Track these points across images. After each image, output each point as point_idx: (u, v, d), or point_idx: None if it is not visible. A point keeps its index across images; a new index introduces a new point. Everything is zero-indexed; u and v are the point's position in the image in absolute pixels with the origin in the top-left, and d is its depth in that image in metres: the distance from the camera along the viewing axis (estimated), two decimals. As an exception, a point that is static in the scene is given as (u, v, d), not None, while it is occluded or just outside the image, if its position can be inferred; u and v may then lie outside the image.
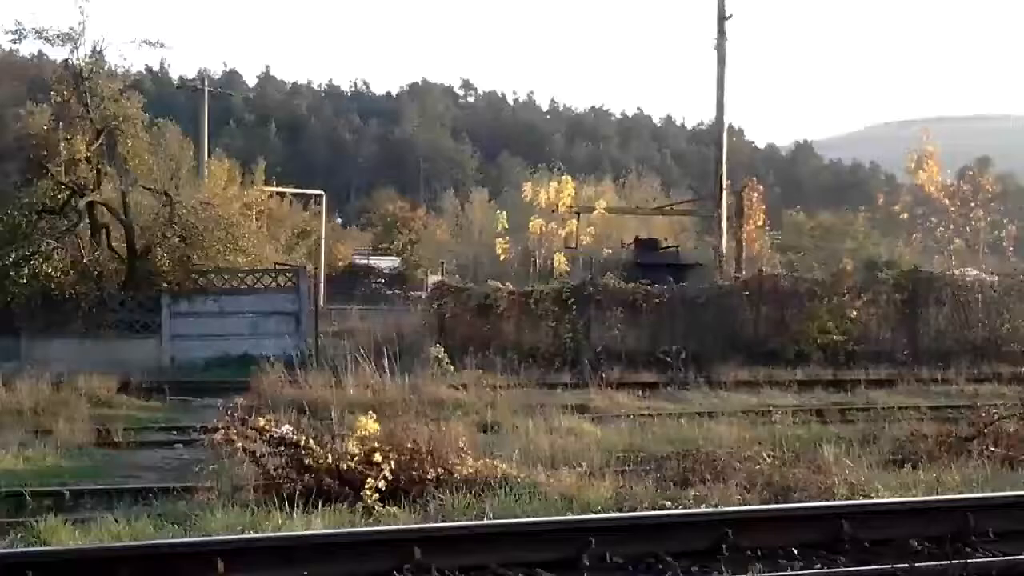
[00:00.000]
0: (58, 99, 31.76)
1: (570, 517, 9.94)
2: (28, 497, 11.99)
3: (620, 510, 10.58)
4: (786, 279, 30.91)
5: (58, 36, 31.17)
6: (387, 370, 20.14)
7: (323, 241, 64.26)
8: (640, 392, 23.30)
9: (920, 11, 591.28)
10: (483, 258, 58.87)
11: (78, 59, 31.30)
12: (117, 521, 9.79)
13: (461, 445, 11.94)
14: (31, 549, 8.90)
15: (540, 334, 28.88)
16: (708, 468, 12.27)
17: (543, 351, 27.99)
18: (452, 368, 21.95)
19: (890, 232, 66.29)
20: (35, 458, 14.57)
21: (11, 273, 28.16)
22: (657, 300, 29.09)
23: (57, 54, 39.20)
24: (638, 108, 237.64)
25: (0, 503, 11.87)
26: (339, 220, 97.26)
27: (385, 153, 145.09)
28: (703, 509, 10.25)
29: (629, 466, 13.14)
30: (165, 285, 30.51)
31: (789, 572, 8.64)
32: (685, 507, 10.54)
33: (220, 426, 11.74)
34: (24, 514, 11.39)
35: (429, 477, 11.11)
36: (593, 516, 9.95)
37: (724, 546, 8.89)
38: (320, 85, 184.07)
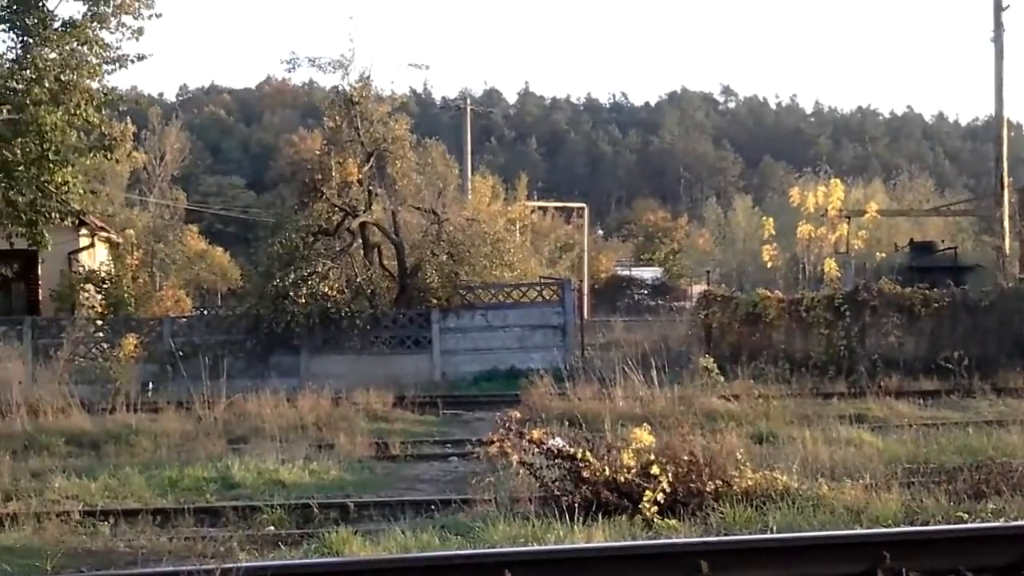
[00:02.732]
0: (330, 124, 32.92)
1: (861, 531, 9.50)
2: (315, 509, 12.40)
3: (911, 524, 10.07)
4: (1078, 278, 29.05)
5: (329, 63, 32.34)
6: (655, 381, 19.91)
7: (586, 253, 64.59)
8: (921, 401, 22.24)
9: None
10: (748, 266, 58.03)
11: (348, 85, 32.39)
12: (403, 532, 9.93)
13: (739, 457, 11.63)
14: (326, 560, 9.15)
15: (812, 342, 28.04)
16: (1003, 480, 11.54)
17: (815, 360, 27.17)
18: (722, 378, 21.51)
19: None
20: (319, 471, 15.02)
21: (290, 293, 29.18)
22: (936, 304, 27.77)
23: (327, 81, 40.78)
24: (908, 106, 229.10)
25: (290, 514, 12.32)
26: (600, 232, 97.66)
27: (645, 163, 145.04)
28: (1005, 523, 9.62)
29: (917, 478, 12.52)
30: (434, 301, 31.13)
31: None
32: (983, 520, 9.93)
33: (495, 439, 11.76)
34: (312, 525, 11.78)
35: (708, 489, 10.83)
36: (886, 530, 9.49)
37: (1031, 562, 8.30)
38: (578, 98, 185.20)
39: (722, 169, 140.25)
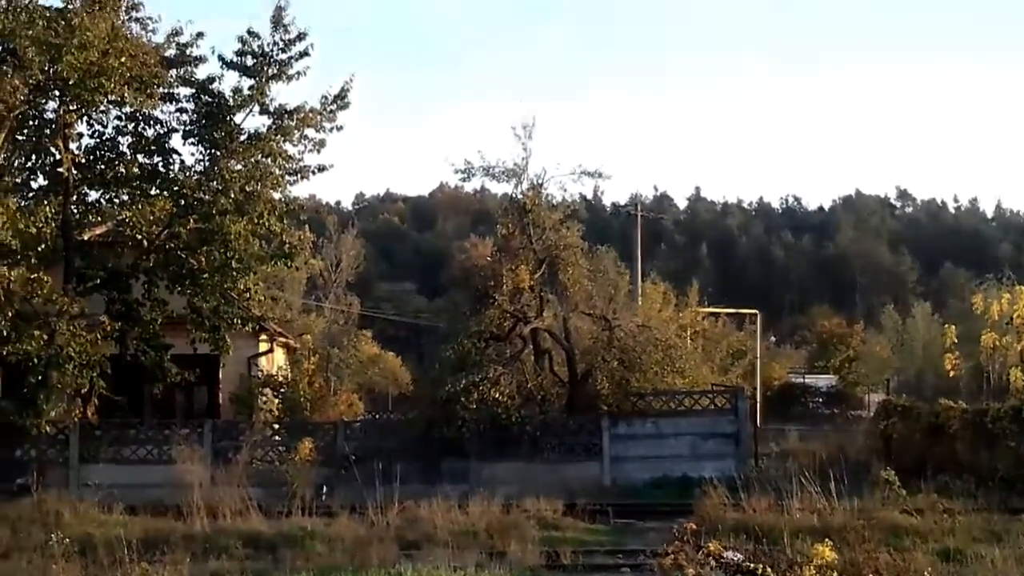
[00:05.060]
0: (503, 232, 33.30)
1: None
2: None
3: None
4: None
5: (503, 172, 32.75)
6: (833, 493, 19.37)
7: (758, 360, 63.53)
8: (1120, 518, 21.08)
9: None
10: (928, 375, 56.29)
11: (520, 193, 32.78)
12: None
13: (927, 575, 11.16)
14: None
15: (998, 455, 26.86)
16: None
17: (1003, 473, 26.03)
18: (904, 491, 20.79)
19: None
20: (491, 580, 14.93)
21: (461, 399, 29.29)
22: None
23: (499, 188, 41.51)
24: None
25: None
26: (773, 338, 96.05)
27: (818, 268, 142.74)
28: None
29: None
30: (605, 408, 30.93)
31: None
32: None
33: (670, 550, 11.54)
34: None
35: (894, 610, 10.42)
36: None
37: None
38: (750, 203, 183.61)
39: (899, 275, 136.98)
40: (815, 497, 19.69)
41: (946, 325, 35.33)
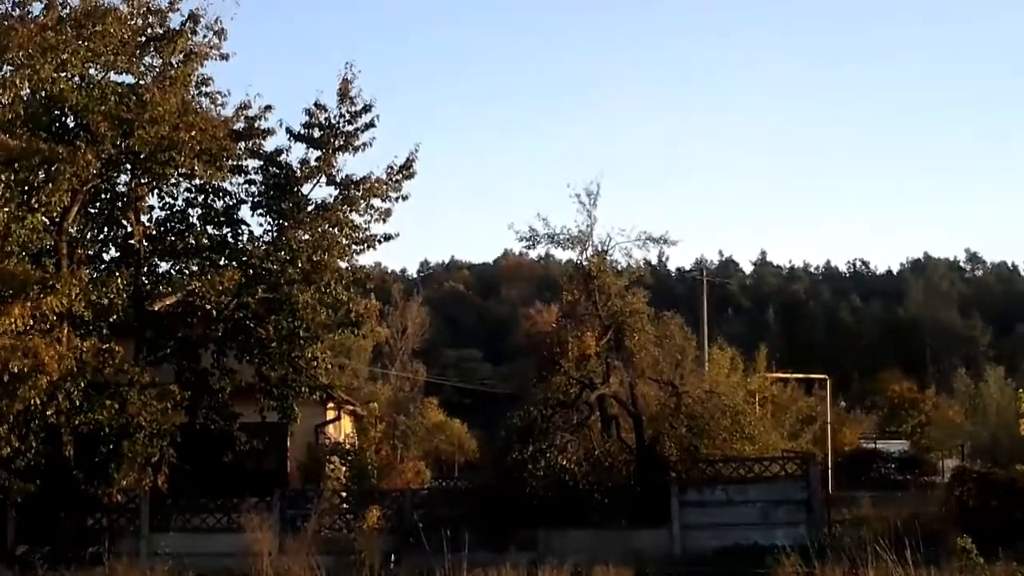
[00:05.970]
0: (568, 298, 33.30)
1: None
2: None
3: None
4: None
5: (568, 239, 32.77)
6: (909, 562, 18.96)
7: (828, 426, 62.74)
8: None
9: None
10: (1002, 439, 55.22)
11: (586, 259, 32.76)
12: None
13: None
14: None
15: (1077, 522, 26.29)
16: None
17: (1081, 541, 25.42)
18: (981, 560, 20.34)
19: None
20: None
21: (529, 466, 29.19)
22: None
23: (563, 254, 41.64)
24: None
25: None
26: (842, 404, 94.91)
27: (888, 332, 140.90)
28: None
29: None
30: (673, 475, 30.62)
31: None
32: None
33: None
34: None
35: None
36: None
37: None
38: (817, 267, 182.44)
39: (971, 339, 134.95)
40: (890, 566, 19.30)
41: (1019, 390, 34.76)
